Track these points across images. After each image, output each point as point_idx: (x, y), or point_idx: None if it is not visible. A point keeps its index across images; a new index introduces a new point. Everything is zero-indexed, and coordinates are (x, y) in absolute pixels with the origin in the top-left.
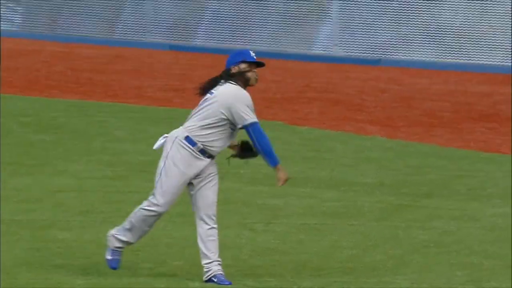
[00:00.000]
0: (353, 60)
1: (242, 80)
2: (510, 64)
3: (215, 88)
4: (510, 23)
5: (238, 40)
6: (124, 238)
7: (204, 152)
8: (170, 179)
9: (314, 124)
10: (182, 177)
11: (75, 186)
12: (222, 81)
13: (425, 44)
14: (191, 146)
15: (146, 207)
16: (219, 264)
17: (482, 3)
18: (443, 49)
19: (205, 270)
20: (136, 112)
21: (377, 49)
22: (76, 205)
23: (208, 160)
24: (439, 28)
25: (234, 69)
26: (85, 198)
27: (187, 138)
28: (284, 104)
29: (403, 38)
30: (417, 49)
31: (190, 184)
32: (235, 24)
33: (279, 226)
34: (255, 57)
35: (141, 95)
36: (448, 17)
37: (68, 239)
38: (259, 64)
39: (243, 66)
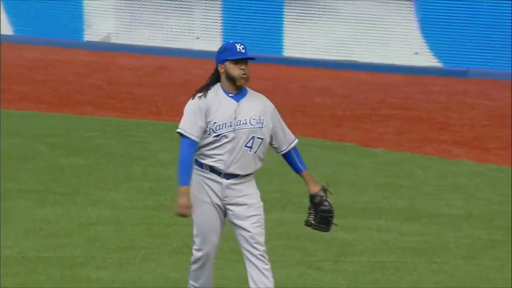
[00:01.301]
0: (436, 71)
1: (230, 81)
2: None
3: None
4: None
5: (295, 48)
6: None
7: (215, 170)
8: (196, 216)
9: (390, 146)
10: (206, 207)
11: (111, 218)
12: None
13: None
14: (200, 168)
15: (191, 258)
16: None
17: None
18: None
19: None
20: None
21: (464, 59)
22: (113, 240)
23: (227, 181)
24: None
25: (221, 69)
26: (123, 231)
27: (196, 162)
28: (355, 123)
29: (495, 46)
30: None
31: (226, 213)
32: (297, 30)
33: (350, 264)
34: (242, 51)
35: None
36: None
37: (104, 279)
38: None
39: (228, 65)
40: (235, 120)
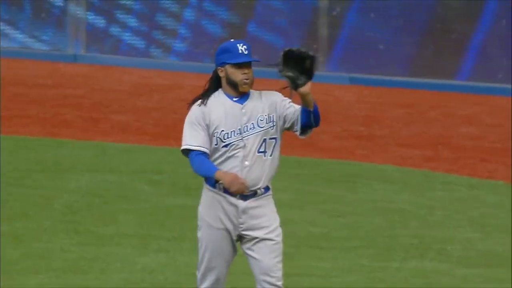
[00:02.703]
0: None
1: (231, 86)
2: None
3: None
4: None
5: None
6: None
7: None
8: (202, 241)
9: None
10: (217, 233)
11: None
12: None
13: None
14: (211, 187)
15: None
16: None
17: None
18: None
19: None
20: (304, 167)
21: None
22: None
23: (244, 202)
24: None
25: (221, 73)
26: (236, 281)
27: (207, 180)
28: (506, 157)
29: None
30: None
31: (239, 239)
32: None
33: None
34: (244, 52)
35: (311, 144)
36: None
37: None
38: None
39: (229, 68)
40: (242, 126)
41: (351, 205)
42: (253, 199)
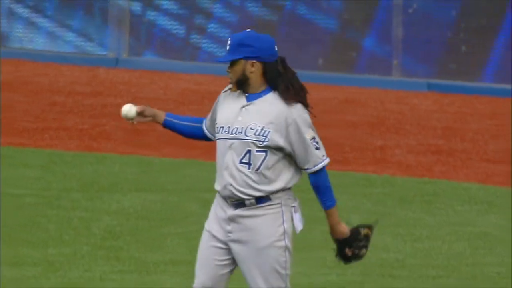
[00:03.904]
0: None
1: None
2: None
3: None
4: None
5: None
6: None
7: (220, 194)
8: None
9: None
10: (206, 237)
11: None
12: None
13: None
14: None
15: None
16: None
17: None
18: None
19: None
20: (375, 185)
21: None
22: None
23: (233, 211)
24: None
25: None
26: None
27: None
28: None
29: None
30: None
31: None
32: None
33: None
34: (227, 48)
35: (383, 159)
36: None
37: None
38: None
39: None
40: (232, 125)
41: (429, 228)
42: (244, 208)
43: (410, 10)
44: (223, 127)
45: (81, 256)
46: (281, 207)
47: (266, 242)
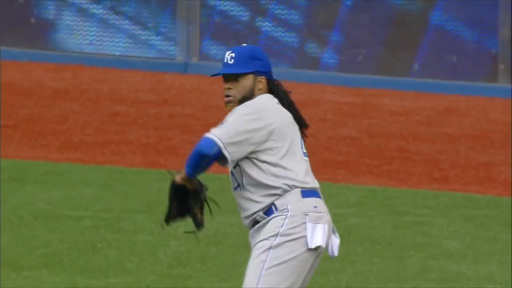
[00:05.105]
0: None
1: None
2: None
3: None
4: None
5: None
6: None
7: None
8: None
9: None
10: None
11: None
12: None
13: None
14: None
15: None
16: None
17: None
18: None
19: None
20: (479, 207)
21: None
22: None
23: (251, 228)
24: None
25: None
26: None
27: None
28: None
29: None
30: None
31: None
32: None
33: None
34: (229, 61)
35: (488, 178)
36: None
37: None
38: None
39: None
40: None
41: None
42: (258, 224)
43: None
44: None
45: (146, 286)
46: (288, 212)
47: (258, 240)
